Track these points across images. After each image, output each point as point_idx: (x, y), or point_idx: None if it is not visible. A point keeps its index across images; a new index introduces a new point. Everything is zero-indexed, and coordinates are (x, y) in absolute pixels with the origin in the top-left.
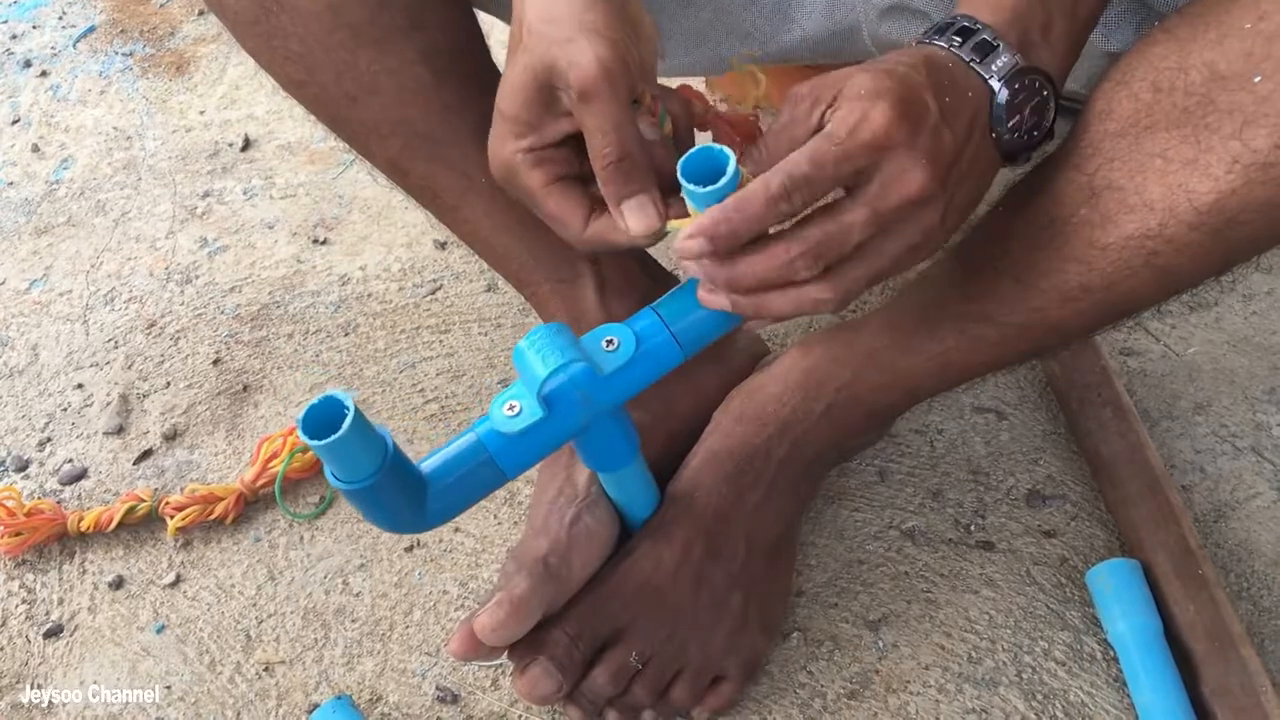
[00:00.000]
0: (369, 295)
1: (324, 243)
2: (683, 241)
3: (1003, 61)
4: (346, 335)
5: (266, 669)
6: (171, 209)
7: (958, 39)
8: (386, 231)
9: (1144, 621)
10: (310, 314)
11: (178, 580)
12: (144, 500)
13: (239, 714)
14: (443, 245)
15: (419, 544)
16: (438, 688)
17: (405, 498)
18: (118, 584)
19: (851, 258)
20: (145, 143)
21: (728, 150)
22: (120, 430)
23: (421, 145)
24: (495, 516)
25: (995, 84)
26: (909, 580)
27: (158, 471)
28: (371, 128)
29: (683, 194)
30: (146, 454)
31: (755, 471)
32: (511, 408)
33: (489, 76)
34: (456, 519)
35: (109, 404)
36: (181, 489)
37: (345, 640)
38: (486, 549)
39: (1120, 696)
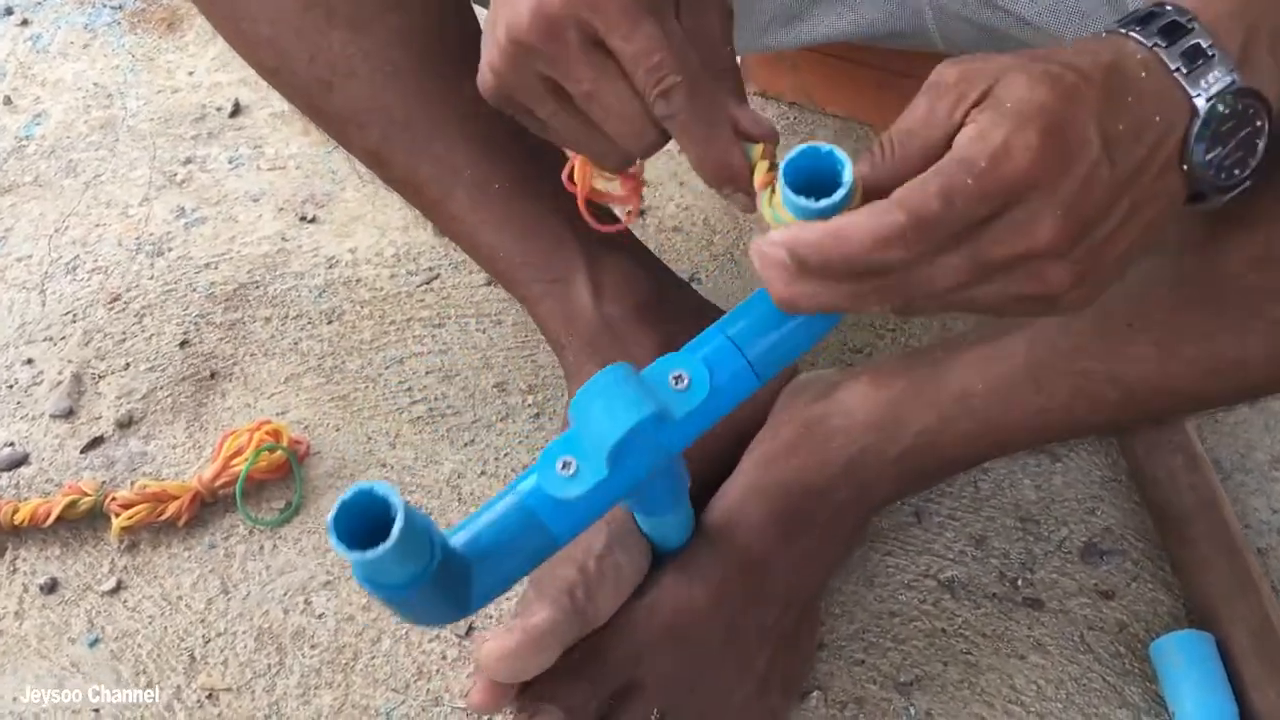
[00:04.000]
0: (358, 280)
1: (312, 220)
2: (767, 247)
3: (1216, 76)
4: (330, 323)
5: (210, 696)
6: (149, 174)
7: (1161, 40)
8: (382, 213)
9: (1217, 704)
10: (292, 297)
11: (118, 587)
12: (88, 494)
13: None
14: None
15: None
16: None
17: (450, 592)
18: (50, 587)
19: (938, 297)
20: (126, 102)
21: (843, 156)
22: (70, 413)
23: (401, 135)
24: None
25: (1201, 103)
26: (946, 639)
27: (107, 462)
28: (349, 116)
29: (778, 196)
30: (96, 441)
31: (809, 514)
32: (566, 465)
33: (475, 62)
34: None
35: (60, 383)
36: (131, 484)
37: (302, 668)
38: None
39: None
